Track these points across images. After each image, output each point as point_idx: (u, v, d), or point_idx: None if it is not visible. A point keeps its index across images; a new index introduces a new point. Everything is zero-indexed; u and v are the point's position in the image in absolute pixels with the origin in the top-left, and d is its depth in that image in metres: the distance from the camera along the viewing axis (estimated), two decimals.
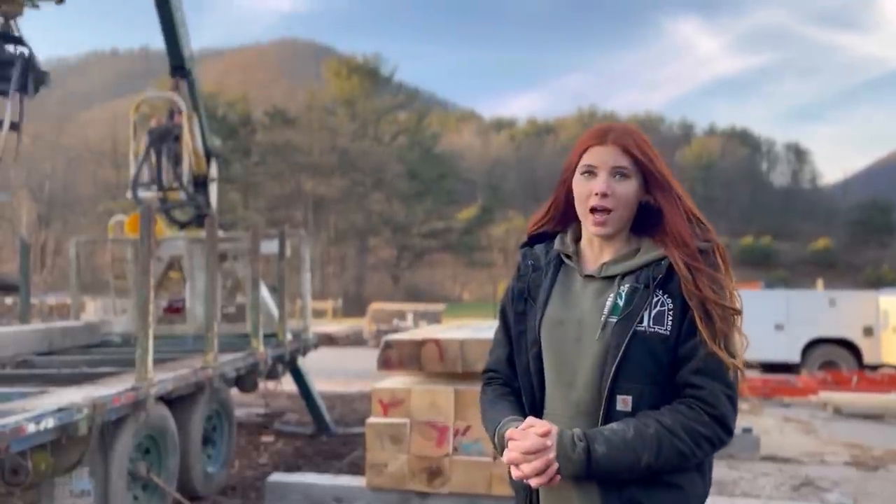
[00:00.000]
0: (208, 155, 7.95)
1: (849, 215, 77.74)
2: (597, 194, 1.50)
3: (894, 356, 12.47)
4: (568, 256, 1.61)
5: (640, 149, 1.51)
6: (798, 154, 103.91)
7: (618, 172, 1.51)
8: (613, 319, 1.48)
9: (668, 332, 1.45)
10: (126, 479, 4.10)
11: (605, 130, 1.55)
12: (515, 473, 1.43)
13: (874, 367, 12.66)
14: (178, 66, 7.79)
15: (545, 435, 1.40)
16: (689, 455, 1.43)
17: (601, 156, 1.52)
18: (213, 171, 7.88)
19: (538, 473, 1.39)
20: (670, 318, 1.46)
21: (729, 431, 1.45)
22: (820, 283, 19.88)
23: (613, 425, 1.44)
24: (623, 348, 1.45)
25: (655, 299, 1.47)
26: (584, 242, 1.61)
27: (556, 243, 1.64)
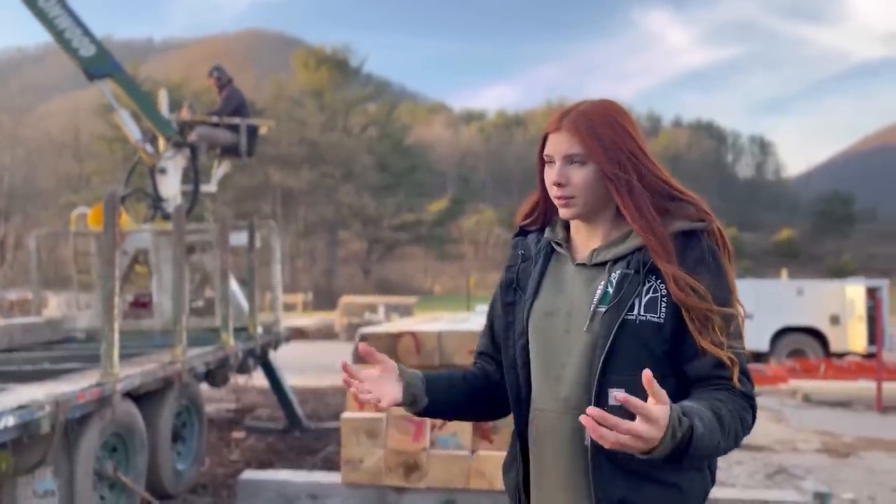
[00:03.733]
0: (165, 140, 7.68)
1: (811, 206, 79.48)
2: (553, 184, 1.45)
3: (860, 344, 12.71)
4: (559, 244, 1.52)
5: (593, 134, 1.41)
6: (762, 146, 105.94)
7: (571, 160, 1.43)
8: (603, 308, 1.40)
9: (662, 320, 1.37)
10: (92, 479, 3.95)
11: (561, 115, 1.47)
12: (609, 433, 1.16)
13: (840, 355, 12.89)
14: (86, 70, 7.33)
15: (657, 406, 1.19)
16: (741, 439, 1.37)
17: (556, 143, 1.45)
18: (169, 160, 7.57)
19: (632, 438, 1.16)
20: (664, 304, 1.38)
21: (755, 419, 1.41)
22: (784, 273, 20.19)
23: (690, 403, 1.28)
24: (611, 339, 1.37)
25: (647, 285, 1.39)
26: (572, 230, 1.53)
27: (547, 231, 1.56)
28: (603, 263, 1.45)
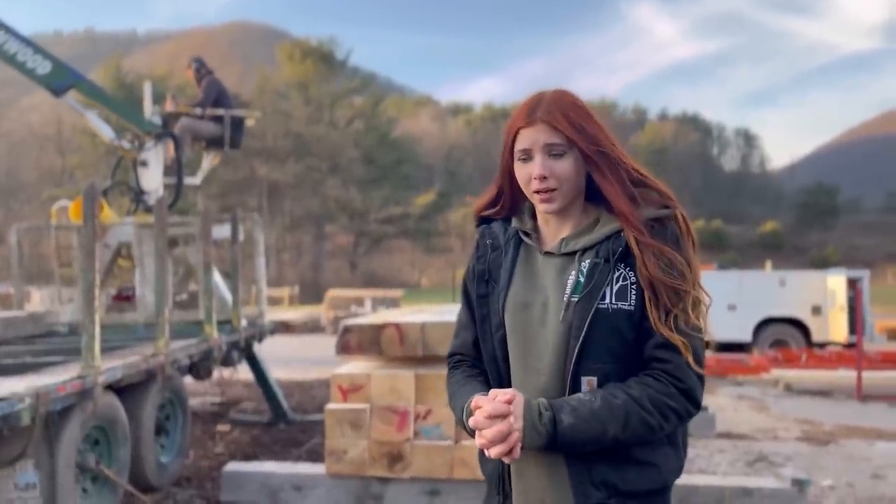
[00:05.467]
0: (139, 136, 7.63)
1: (795, 198, 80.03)
2: (536, 178, 1.44)
3: (841, 334, 12.85)
4: (527, 234, 1.53)
5: (570, 122, 1.43)
6: (747, 139, 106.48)
7: (551, 151, 1.44)
8: (576, 298, 1.41)
9: (633, 308, 1.40)
10: (74, 472, 3.93)
11: (532, 108, 1.47)
12: (479, 441, 1.36)
13: (822, 345, 13.03)
14: (48, 87, 7.21)
15: (510, 402, 1.35)
16: (657, 428, 1.38)
17: (533, 137, 1.45)
18: (150, 153, 7.51)
19: (501, 440, 1.33)
20: (633, 292, 1.40)
21: (696, 404, 1.41)
22: (768, 264, 20.34)
23: (580, 395, 1.39)
24: (585, 328, 1.38)
25: (617, 273, 1.41)
26: (540, 220, 1.54)
27: (514, 221, 1.57)
28: (573, 253, 1.47)
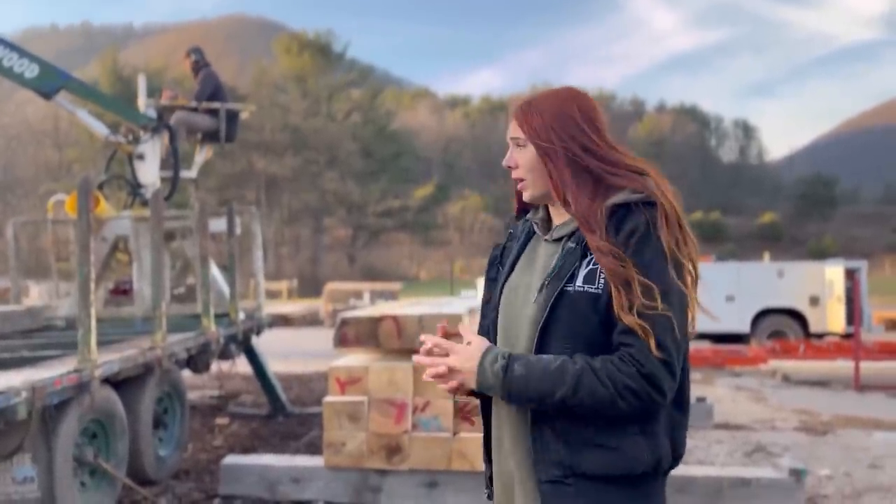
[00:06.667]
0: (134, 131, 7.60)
1: (793, 190, 79.99)
2: (506, 167, 1.59)
3: (839, 324, 12.87)
4: (536, 224, 1.63)
5: (528, 118, 1.53)
6: (746, 130, 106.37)
7: (517, 143, 1.56)
8: (547, 281, 1.49)
9: (600, 291, 1.44)
10: (72, 465, 3.94)
11: (513, 104, 1.62)
12: (430, 370, 1.50)
13: (820, 336, 13.06)
14: (37, 91, 7.12)
15: (469, 344, 1.49)
16: (608, 402, 1.39)
17: (509, 130, 1.59)
18: (146, 146, 7.48)
19: (438, 376, 1.48)
20: (602, 276, 1.44)
21: (659, 390, 1.40)
22: (766, 255, 20.36)
23: (543, 355, 1.45)
24: (548, 309, 1.45)
25: (588, 258, 1.46)
26: (551, 209, 1.63)
27: (531, 212, 1.67)
28: (560, 239, 1.55)
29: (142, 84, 8.06)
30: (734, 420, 7.34)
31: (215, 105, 7.93)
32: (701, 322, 1.53)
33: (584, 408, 1.41)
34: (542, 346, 1.46)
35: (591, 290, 1.44)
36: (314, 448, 5.80)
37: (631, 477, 1.45)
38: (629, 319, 1.39)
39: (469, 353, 1.48)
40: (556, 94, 1.57)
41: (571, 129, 1.51)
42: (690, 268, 1.46)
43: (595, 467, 1.44)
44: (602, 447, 1.44)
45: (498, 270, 1.66)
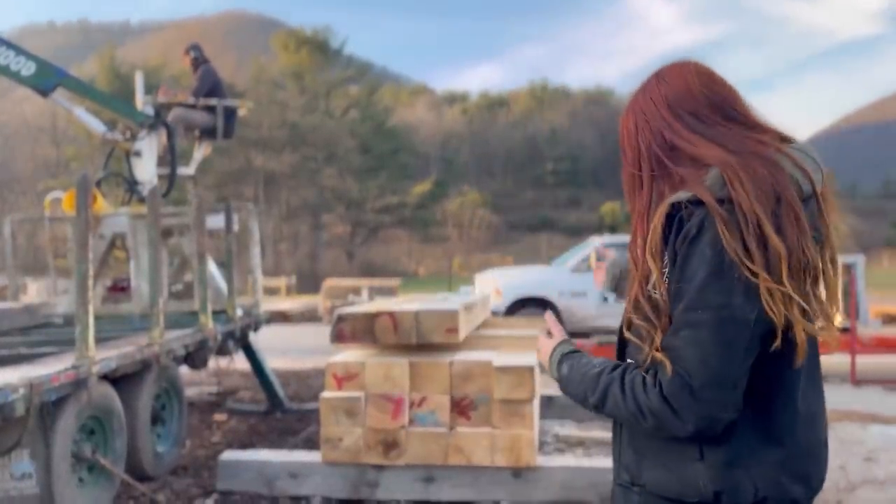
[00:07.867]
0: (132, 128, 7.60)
1: None
2: None
3: (835, 319, 12.87)
4: None
5: (624, 119, 1.53)
6: None
7: None
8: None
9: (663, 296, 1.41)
10: (70, 461, 3.96)
11: None
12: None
13: None
14: (35, 88, 7.14)
15: (552, 334, 1.59)
16: (632, 417, 1.34)
17: None
18: (143, 143, 7.49)
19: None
20: (666, 281, 1.37)
21: (678, 416, 1.28)
22: None
23: (594, 358, 1.48)
24: (626, 313, 1.49)
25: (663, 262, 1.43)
26: None
27: None
28: None
29: (139, 81, 8.07)
30: None
31: (213, 102, 7.94)
32: None
33: (620, 418, 1.41)
34: (622, 348, 1.50)
35: (654, 294, 1.36)
36: (312, 444, 5.82)
37: (676, 501, 1.38)
38: (637, 323, 1.37)
39: (549, 345, 1.57)
40: (648, 82, 1.51)
41: (656, 119, 1.44)
42: (766, 275, 1.26)
43: (652, 483, 1.40)
44: (662, 465, 1.38)
45: None
